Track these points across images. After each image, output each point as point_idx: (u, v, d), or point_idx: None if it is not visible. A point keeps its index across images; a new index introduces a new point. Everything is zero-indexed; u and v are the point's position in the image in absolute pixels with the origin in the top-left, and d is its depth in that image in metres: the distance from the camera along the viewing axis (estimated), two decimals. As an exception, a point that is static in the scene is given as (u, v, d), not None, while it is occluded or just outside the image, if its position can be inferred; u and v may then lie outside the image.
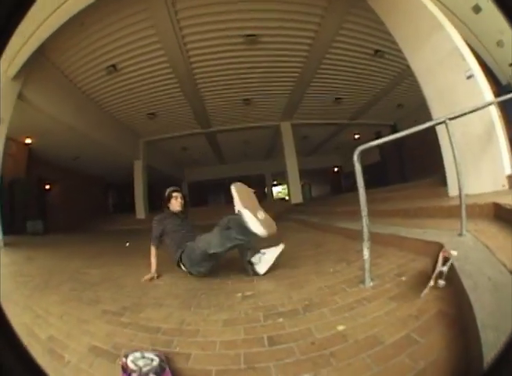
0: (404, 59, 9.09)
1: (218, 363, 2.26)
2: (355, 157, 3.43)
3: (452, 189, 7.01)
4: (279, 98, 18.61)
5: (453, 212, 4.94)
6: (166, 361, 2.33)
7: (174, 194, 5.89)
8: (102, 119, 19.13)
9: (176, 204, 5.84)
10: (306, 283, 3.86)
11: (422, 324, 2.30)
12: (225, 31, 12.45)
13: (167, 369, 2.20)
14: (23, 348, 1.39)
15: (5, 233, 12.26)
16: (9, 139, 14.48)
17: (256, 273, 4.65)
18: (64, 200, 25.92)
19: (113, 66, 13.98)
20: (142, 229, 10.02)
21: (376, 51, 13.83)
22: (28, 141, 19.35)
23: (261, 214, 4.62)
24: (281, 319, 2.86)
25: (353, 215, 8.26)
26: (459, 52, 7.02)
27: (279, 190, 49.70)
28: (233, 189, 4.97)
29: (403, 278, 3.32)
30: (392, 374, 1.82)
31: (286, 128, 22.73)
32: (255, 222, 4.34)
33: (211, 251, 4.57)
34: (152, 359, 2.28)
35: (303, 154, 25.36)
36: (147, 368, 2.17)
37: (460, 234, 3.83)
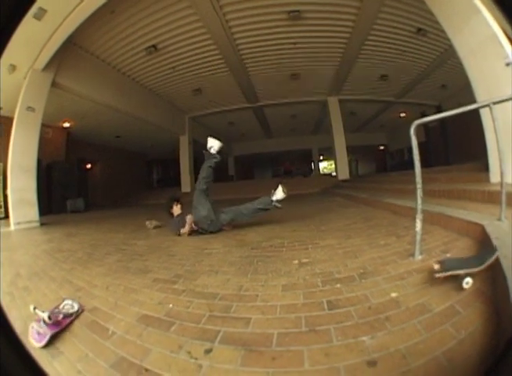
0: (447, 39, 8.81)
1: (280, 327, 2.28)
2: (412, 131, 3.40)
3: (494, 176, 6.98)
4: (325, 73, 18.50)
5: (493, 198, 5.12)
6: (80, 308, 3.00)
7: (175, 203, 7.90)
8: (145, 97, 19.50)
9: (177, 209, 7.84)
10: (360, 253, 3.90)
11: (463, 298, 2.36)
12: (268, 8, 12.42)
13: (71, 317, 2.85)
14: (23, 348, 1.37)
15: (42, 214, 12.90)
16: (46, 126, 15.48)
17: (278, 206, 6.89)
18: (106, 178, 26.98)
19: (153, 46, 14.17)
20: (188, 201, 10.19)
21: (419, 29, 13.57)
22: (66, 125, 20.25)
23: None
24: (338, 285, 2.89)
25: (400, 192, 8.37)
26: (497, 38, 6.86)
27: (325, 166, 49.73)
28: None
29: (448, 255, 3.37)
30: (438, 341, 1.84)
31: (333, 103, 22.54)
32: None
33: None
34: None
35: (350, 130, 25.19)
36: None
37: (499, 219, 3.82)
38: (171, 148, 27.38)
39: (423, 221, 3.30)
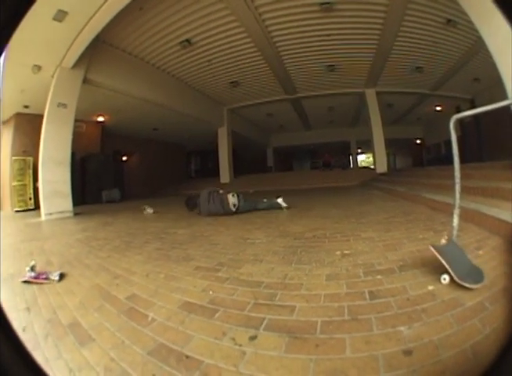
0: (476, 30, 8.61)
1: (323, 315, 2.33)
2: (451, 125, 3.39)
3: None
4: (361, 64, 18.44)
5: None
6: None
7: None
8: (183, 90, 19.81)
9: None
10: (399, 246, 3.99)
11: (492, 295, 2.42)
12: (300, 0, 12.46)
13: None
14: (23, 348, 1.35)
15: (76, 204, 13.42)
16: (79, 121, 16.02)
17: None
18: (144, 169, 27.62)
19: (187, 40, 14.31)
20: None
21: (448, 20, 13.44)
22: (101, 119, 20.87)
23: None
24: (379, 276, 2.98)
25: (438, 188, 8.26)
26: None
27: (363, 159, 49.48)
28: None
29: (480, 252, 3.45)
30: (467, 334, 1.90)
31: (371, 95, 22.42)
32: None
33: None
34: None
35: (387, 123, 24.73)
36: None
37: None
38: (209, 139, 27.68)
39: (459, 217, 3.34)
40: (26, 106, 16.54)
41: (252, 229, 6.43)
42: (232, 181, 24.77)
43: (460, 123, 23.42)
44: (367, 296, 2.59)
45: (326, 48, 16.18)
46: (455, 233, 3.10)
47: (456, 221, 3.10)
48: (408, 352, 1.79)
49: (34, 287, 3.65)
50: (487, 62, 12.84)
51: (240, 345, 2.06)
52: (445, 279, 2.73)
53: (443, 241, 3.05)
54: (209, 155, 34.25)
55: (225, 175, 25.84)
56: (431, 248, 2.90)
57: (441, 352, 1.76)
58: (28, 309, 3.04)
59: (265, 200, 9.28)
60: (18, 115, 17.38)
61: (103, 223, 9.56)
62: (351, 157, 41.28)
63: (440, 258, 2.79)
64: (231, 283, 3.21)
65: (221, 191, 8.59)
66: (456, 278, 2.64)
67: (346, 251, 3.95)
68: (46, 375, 1.43)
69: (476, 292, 2.46)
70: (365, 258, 3.63)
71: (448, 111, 24.10)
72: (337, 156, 38.48)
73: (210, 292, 3.00)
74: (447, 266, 2.72)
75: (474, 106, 21.01)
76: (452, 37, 14.84)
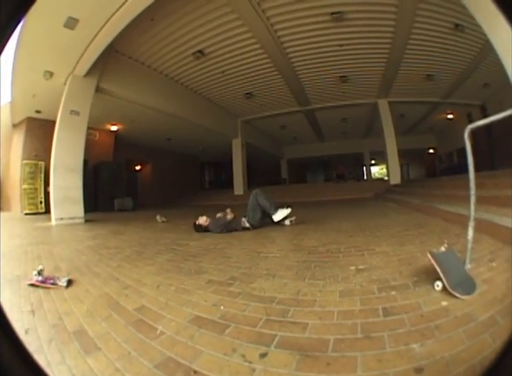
0: (484, 34, 8.61)
1: (336, 332, 2.31)
2: (466, 136, 3.35)
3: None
4: (373, 74, 18.56)
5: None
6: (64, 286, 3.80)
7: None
8: (197, 101, 20.05)
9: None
10: (413, 260, 3.97)
11: (503, 308, 2.39)
12: (310, 10, 12.56)
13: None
14: (23, 348, 1.34)
15: (88, 211, 13.63)
16: (92, 129, 16.84)
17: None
18: (157, 179, 28.08)
19: (200, 51, 14.48)
20: (240, 204, 10.31)
21: (457, 25, 13.50)
22: (114, 128, 21.32)
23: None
24: (394, 293, 2.95)
25: (451, 198, 8.21)
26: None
27: (376, 170, 49.57)
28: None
29: (494, 264, 3.43)
30: (477, 350, 1.88)
31: (383, 105, 22.46)
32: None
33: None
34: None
35: (400, 133, 24.81)
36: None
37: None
38: (223, 151, 27.87)
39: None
40: (38, 111, 16.96)
41: (265, 243, 6.42)
42: (246, 193, 24.40)
43: (473, 133, 23.45)
44: (381, 313, 2.58)
45: (338, 58, 16.35)
46: (469, 246, 3.09)
47: (470, 234, 3.09)
48: (419, 370, 1.77)
49: (41, 291, 3.68)
50: (495, 66, 12.87)
51: (250, 362, 2.02)
52: (438, 285, 2.82)
53: (442, 249, 3.07)
54: (223, 166, 34.66)
55: (239, 187, 26.02)
56: (429, 255, 2.97)
57: (451, 368, 1.76)
58: (33, 311, 3.07)
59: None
60: (30, 119, 17.83)
61: (114, 231, 9.63)
62: (364, 169, 41.37)
63: (435, 264, 2.86)
64: (243, 298, 3.18)
65: (228, 216, 8.38)
66: (447, 286, 2.71)
67: (360, 266, 3.95)
68: (46, 375, 1.45)
69: (488, 306, 2.45)
70: (380, 273, 3.62)
71: (459, 119, 24.72)
72: (350, 167, 38.61)
73: (222, 307, 2.97)
74: (440, 274, 2.79)
75: (485, 113, 21.09)
76: (461, 43, 14.96)
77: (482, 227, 4.77)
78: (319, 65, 16.84)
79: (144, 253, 5.98)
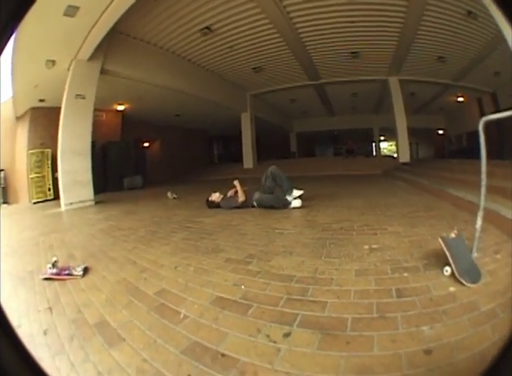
0: (495, 24, 8.56)
1: (353, 312, 2.43)
2: (480, 128, 3.46)
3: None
4: (385, 52, 18.39)
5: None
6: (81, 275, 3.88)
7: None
8: (204, 77, 19.91)
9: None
10: (424, 243, 4.04)
11: (505, 301, 2.48)
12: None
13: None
14: (23, 347, 1.33)
15: (97, 192, 13.67)
16: (98, 110, 16.52)
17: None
18: (166, 155, 27.77)
19: (207, 27, 14.35)
20: (250, 178, 10.26)
21: (469, 12, 13.33)
22: (121, 108, 21.18)
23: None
24: (406, 274, 3.07)
25: (460, 183, 8.14)
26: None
27: (385, 146, 49.13)
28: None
29: (498, 256, 3.47)
30: (477, 340, 1.99)
31: (394, 82, 22.26)
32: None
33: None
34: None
35: (410, 112, 24.55)
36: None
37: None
38: (232, 125, 27.55)
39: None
40: (41, 100, 16.78)
41: (280, 219, 6.52)
42: (256, 167, 24.64)
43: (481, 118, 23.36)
44: (394, 294, 2.70)
45: (349, 34, 16.14)
46: (477, 235, 3.18)
47: (479, 223, 3.19)
48: (428, 352, 1.91)
49: (56, 284, 3.68)
50: (507, 57, 12.82)
51: (275, 342, 2.13)
52: (447, 271, 2.93)
53: (452, 235, 3.13)
54: (232, 140, 34.22)
55: (248, 161, 25.95)
56: (440, 240, 3.05)
57: (455, 353, 1.88)
58: (50, 308, 3.05)
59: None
60: (33, 109, 17.67)
61: (126, 211, 9.71)
62: (373, 145, 41.18)
63: (446, 250, 2.97)
64: (262, 276, 3.28)
65: (240, 199, 8.29)
66: (456, 272, 2.83)
67: (374, 246, 4.04)
68: (46, 375, 1.43)
69: (491, 298, 2.53)
70: (392, 253, 3.72)
71: (469, 103, 24.62)
72: (360, 143, 38.39)
73: (242, 287, 3.06)
74: (450, 260, 2.90)
75: (496, 101, 21.03)
76: (473, 29, 14.76)
77: (489, 217, 4.74)
78: (329, 40, 16.71)
79: (158, 232, 6.04)
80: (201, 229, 5.98)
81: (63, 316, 2.85)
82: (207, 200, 8.63)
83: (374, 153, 39.82)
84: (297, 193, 7.95)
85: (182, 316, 2.61)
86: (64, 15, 10.16)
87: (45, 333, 2.57)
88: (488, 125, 3.11)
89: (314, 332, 2.20)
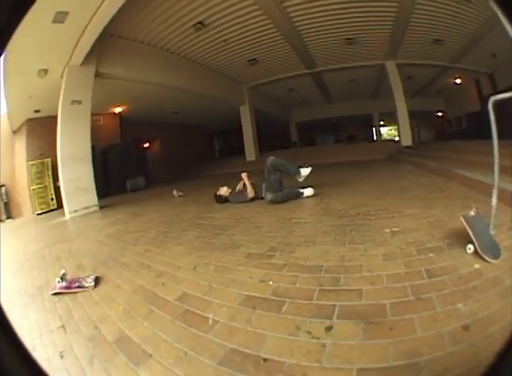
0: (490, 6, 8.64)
1: (390, 297, 2.40)
2: (490, 107, 3.35)
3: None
4: (380, 36, 18.34)
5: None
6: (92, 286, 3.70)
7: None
8: (200, 72, 19.91)
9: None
10: (443, 223, 4.04)
11: None
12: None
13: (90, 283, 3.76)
14: (23, 347, 1.31)
15: (101, 197, 13.64)
16: (95, 114, 16.38)
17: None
18: (167, 154, 27.80)
19: (200, 22, 14.32)
20: (254, 170, 10.16)
21: None
22: (118, 110, 21.20)
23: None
24: (431, 255, 3.06)
25: (468, 164, 8.17)
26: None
27: (385, 131, 49.21)
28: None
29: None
30: (508, 311, 2.01)
31: (391, 66, 22.22)
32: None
33: None
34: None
35: (408, 95, 24.56)
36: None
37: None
38: (231, 118, 27.64)
39: (490, 196, 3.41)
40: (37, 111, 16.75)
41: (293, 208, 6.50)
42: (259, 159, 24.51)
43: (480, 98, 23.38)
44: (425, 275, 2.69)
45: (343, 20, 16.13)
46: (493, 212, 3.18)
47: (494, 200, 3.19)
48: (466, 328, 1.93)
49: (67, 298, 3.51)
50: (503, 38, 12.86)
51: (318, 338, 2.04)
52: (470, 248, 2.97)
53: (472, 213, 3.16)
54: (232, 134, 34.36)
55: (250, 153, 25.96)
56: (461, 218, 3.09)
57: (490, 326, 1.90)
58: (63, 327, 2.87)
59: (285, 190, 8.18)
60: (29, 121, 17.62)
61: (133, 214, 9.61)
62: (374, 130, 41.27)
63: (467, 227, 3.00)
64: (289, 269, 3.17)
65: (250, 195, 8.23)
66: (479, 249, 2.86)
67: (394, 229, 4.03)
68: (46, 375, 1.39)
69: (509, 274, 2.53)
70: (415, 235, 3.70)
71: (467, 84, 24.74)
72: (361, 129, 38.45)
73: (270, 282, 2.95)
74: (473, 237, 2.94)
75: (494, 81, 21.14)
76: (468, 11, 14.80)
77: (501, 196, 4.85)
78: (324, 27, 16.69)
79: (169, 232, 5.97)
80: (214, 225, 5.89)
81: (79, 334, 2.69)
82: (216, 194, 8.62)
83: (375, 138, 39.94)
84: (305, 171, 8.14)
85: (210, 321, 2.46)
86: (53, 22, 10.11)
87: (61, 356, 2.39)
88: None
89: (356, 322, 2.15)
